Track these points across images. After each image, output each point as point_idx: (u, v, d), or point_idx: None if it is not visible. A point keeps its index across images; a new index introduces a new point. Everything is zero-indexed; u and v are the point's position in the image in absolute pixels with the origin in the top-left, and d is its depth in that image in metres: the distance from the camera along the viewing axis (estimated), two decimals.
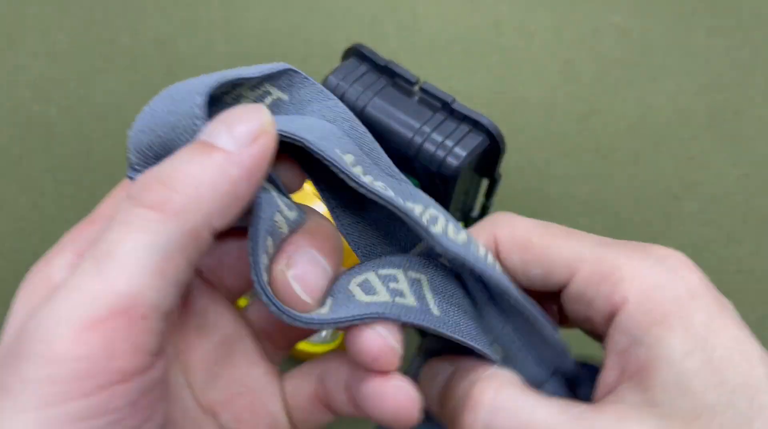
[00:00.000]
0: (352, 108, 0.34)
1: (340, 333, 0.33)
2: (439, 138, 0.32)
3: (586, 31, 0.55)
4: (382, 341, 0.18)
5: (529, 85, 0.52)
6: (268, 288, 0.18)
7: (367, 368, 0.19)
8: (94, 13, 0.52)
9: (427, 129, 0.33)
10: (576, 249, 0.20)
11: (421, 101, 0.34)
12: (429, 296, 0.20)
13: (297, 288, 0.18)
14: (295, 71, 0.20)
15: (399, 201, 0.19)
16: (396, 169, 0.21)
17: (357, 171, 0.19)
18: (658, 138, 0.49)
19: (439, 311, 0.20)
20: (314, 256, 0.19)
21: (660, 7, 0.57)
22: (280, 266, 0.18)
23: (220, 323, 0.20)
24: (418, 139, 0.32)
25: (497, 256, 0.21)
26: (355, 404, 0.20)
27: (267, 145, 0.17)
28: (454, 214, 0.36)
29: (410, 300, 0.19)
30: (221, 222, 0.16)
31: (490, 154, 0.33)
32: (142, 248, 0.15)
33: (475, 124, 0.33)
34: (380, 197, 0.19)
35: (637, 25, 0.56)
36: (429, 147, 0.32)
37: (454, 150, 0.32)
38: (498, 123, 0.34)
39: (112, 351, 0.14)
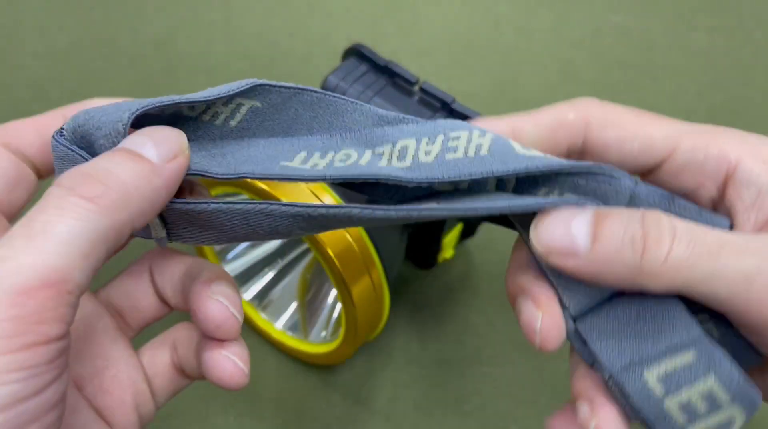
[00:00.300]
0: None
1: (341, 332, 0.33)
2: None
3: (586, 31, 0.55)
4: (225, 309, 0.21)
5: (529, 85, 0.51)
6: None
7: (211, 336, 0.21)
8: (94, 13, 0.52)
9: None
10: (674, 125, 0.22)
11: (421, 101, 0.34)
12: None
13: (228, 305, 0.21)
14: (262, 84, 0.21)
15: (356, 170, 0.20)
16: (377, 115, 0.22)
17: (308, 164, 0.21)
18: None
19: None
20: (232, 284, 0.22)
21: (660, 7, 0.57)
22: (206, 293, 0.21)
23: None
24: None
25: (586, 133, 0.22)
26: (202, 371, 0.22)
27: (183, 163, 0.19)
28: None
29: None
30: (139, 223, 0.18)
31: None
32: (75, 233, 0.16)
33: None
34: (332, 177, 0.20)
35: (638, 25, 0.56)
36: None
37: None
38: None
39: (41, 317, 0.16)
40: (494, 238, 0.43)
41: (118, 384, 0.22)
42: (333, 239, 0.30)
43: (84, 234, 0.16)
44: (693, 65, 0.54)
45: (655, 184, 0.22)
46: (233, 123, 0.22)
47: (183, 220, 0.20)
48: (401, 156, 0.21)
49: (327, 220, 0.20)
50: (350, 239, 0.30)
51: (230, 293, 0.21)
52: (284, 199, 0.29)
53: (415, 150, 0.21)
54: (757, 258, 0.18)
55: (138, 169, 0.18)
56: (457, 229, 0.38)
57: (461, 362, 0.38)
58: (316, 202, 0.30)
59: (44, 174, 0.23)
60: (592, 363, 0.21)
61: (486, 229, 0.43)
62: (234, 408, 0.36)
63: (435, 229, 0.36)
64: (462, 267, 0.42)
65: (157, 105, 0.20)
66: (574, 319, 0.21)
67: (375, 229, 0.31)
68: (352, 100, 0.22)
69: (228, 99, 0.21)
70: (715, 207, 0.22)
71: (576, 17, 0.56)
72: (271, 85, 0.21)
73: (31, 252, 0.16)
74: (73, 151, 0.19)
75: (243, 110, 0.22)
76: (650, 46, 0.55)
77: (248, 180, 0.29)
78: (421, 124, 0.22)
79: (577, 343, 0.22)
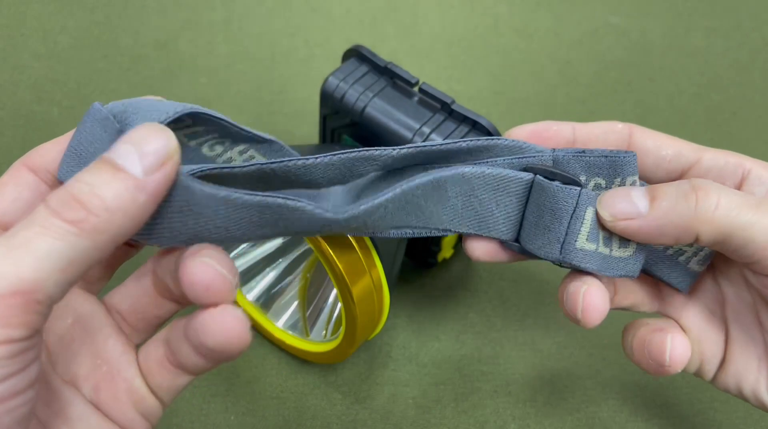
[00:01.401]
0: (352, 109, 0.34)
1: (341, 331, 0.33)
2: (438, 138, 0.32)
3: (585, 31, 0.56)
4: (211, 269, 0.20)
5: (529, 85, 0.52)
6: None
7: (202, 302, 0.20)
8: (95, 14, 0.52)
9: (426, 130, 0.33)
10: (700, 146, 0.27)
11: (421, 102, 0.34)
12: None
13: (215, 264, 0.21)
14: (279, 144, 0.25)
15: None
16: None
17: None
18: None
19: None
20: (222, 251, 0.21)
21: (658, 7, 0.58)
22: (192, 257, 0.21)
23: (73, 305, 0.23)
24: (417, 140, 0.33)
25: (630, 139, 0.28)
26: (196, 348, 0.22)
27: (172, 169, 0.19)
28: None
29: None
30: (122, 239, 0.19)
31: None
32: (54, 251, 0.18)
33: (475, 125, 0.33)
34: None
35: (636, 25, 0.56)
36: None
37: None
38: (497, 124, 0.34)
39: (7, 321, 0.17)
40: None
41: (109, 382, 0.23)
42: (333, 239, 0.30)
43: (63, 253, 0.18)
44: (691, 66, 0.54)
45: None
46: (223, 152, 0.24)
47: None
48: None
49: (283, 212, 0.21)
50: (351, 239, 0.31)
51: (218, 256, 0.21)
52: None
53: None
54: None
55: (122, 189, 0.19)
56: None
57: (461, 361, 0.38)
58: None
59: None
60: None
61: None
62: (235, 406, 0.36)
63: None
64: (462, 267, 0.42)
65: (200, 113, 0.22)
66: (517, 241, 0.27)
67: None
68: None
69: (245, 148, 0.24)
70: None
71: (574, 18, 0.56)
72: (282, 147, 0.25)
73: (8, 262, 0.17)
74: (110, 119, 0.21)
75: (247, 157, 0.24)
76: (648, 47, 0.55)
77: None
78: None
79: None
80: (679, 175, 0.27)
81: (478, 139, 0.26)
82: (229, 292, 0.21)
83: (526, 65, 0.53)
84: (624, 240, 0.25)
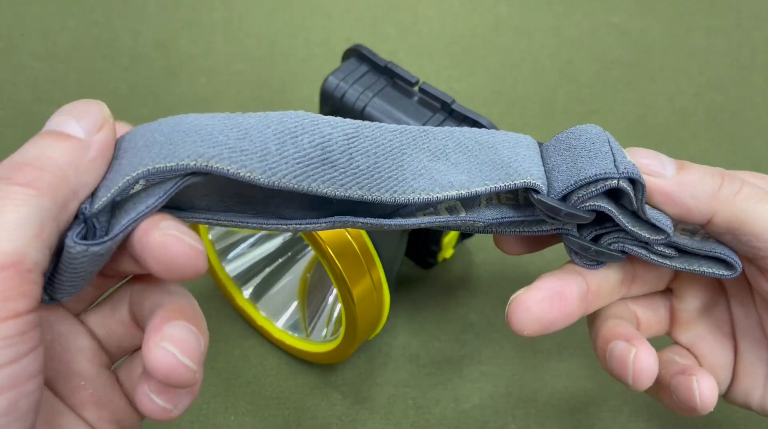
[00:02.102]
0: (353, 108, 0.34)
1: (341, 331, 0.33)
2: None
3: (585, 31, 0.55)
4: (171, 358, 0.19)
5: (529, 85, 0.52)
6: None
7: (165, 384, 0.20)
8: (95, 14, 0.52)
9: None
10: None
11: (421, 102, 0.34)
12: None
13: (177, 353, 0.19)
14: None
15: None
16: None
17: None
18: (656, 138, 0.49)
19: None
20: (187, 327, 0.20)
21: (659, 7, 0.58)
22: (155, 339, 0.20)
23: (51, 322, 0.23)
24: None
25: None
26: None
27: (111, 131, 0.20)
28: None
29: None
30: (84, 194, 0.19)
31: None
32: (22, 217, 0.18)
33: (475, 125, 0.33)
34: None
35: (637, 25, 0.56)
36: None
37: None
38: (497, 123, 0.34)
39: (8, 294, 0.17)
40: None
41: (96, 401, 0.23)
42: (333, 239, 0.30)
43: (30, 216, 0.18)
44: (691, 65, 0.54)
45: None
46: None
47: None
48: None
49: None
50: (350, 239, 0.30)
51: (183, 338, 0.20)
52: None
53: None
54: None
55: (68, 147, 0.19)
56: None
57: (461, 362, 0.38)
58: None
59: None
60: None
61: None
62: (234, 407, 0.36)
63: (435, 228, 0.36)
64: (462, 267, 0.42)
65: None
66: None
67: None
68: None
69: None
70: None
71: (575, 18, 0.56)
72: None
73: None
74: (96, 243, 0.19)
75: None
76: (649, 46, 0.55)
77: None
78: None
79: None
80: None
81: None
82: (191, 379, 0.20)
83: (526, 65, 0.53)
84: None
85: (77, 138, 0.19)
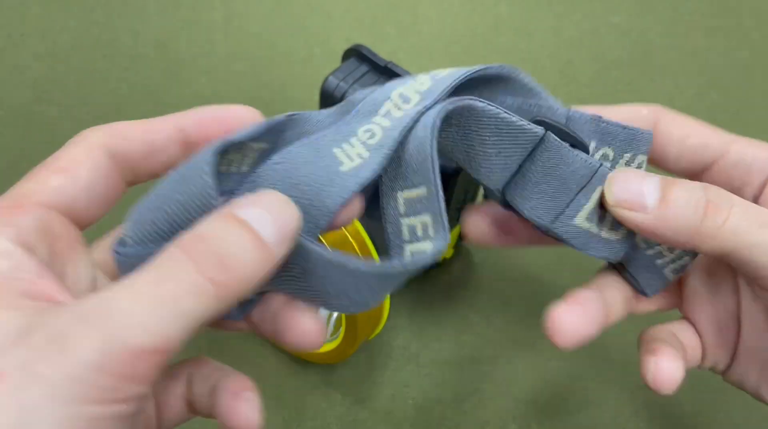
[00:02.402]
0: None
1: (341, 331, 0.33)
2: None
3: (585, 31, 0.55)
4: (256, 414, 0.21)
5: None
6: None
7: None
8: (95, 13, 0.52)
9: None
10: (728, 134, 0.26)
11: None
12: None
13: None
14: (281, 121, 0.21)
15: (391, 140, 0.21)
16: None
17: (354, 162, 0.22)
18: None
19: None
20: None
21: (659, 7, 0.58)
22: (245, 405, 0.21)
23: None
24: None
25: (656, 125, 0.26)
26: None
27: (292, 243, 0.19)
28: (453, 213, 0.36)
29: None
30: (243, 298, 0.18)
31: None
32: (195, 313, 0.17)
33: None
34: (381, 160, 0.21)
35: (637, 25, 0.56)
36: None
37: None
38: None
39: (139, 378, 0.16)
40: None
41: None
42: (332, 239, 0.30)
43: (199, 315, 0.17)
44: (691, 65, 0.54)
45: (706, 180, 0.26)
46: (244, 168, 0.21)
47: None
48: (397, 106, 0.22)
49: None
50: (350, 239, 0.30)
51: (257, 403, 0.21)
52: None
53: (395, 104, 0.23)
54: None
55: (259, 257, 0.18)
56: (457, 229, 0.38)
57: (461, 361, 0.38)
58: None
59: (136, 181, 0.22)
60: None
61: None
62: None
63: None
64: (462, 267, 0.42)
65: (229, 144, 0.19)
66: (502, 192, 0.24)
67: (374, 229, 0.32)
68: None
69: (241, 145, 0.20)
70: (758, 196, 0.25)
71: (575, 18, 0.56)
72: (285, 121, 0.22)
73: (155, 318, 0.16)
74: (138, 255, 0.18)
75: (253, 155, 0.21)
76: (649, 46, 0.55)
77: None
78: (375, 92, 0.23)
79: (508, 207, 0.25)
80: (702, 168, 0.26)
81: (492, 66, 0.24)
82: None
83: (526, 65, 0.53)
84: (617, 223, 0.24)
85: (268, 248, 0.18)
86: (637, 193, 0.22)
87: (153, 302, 0.16)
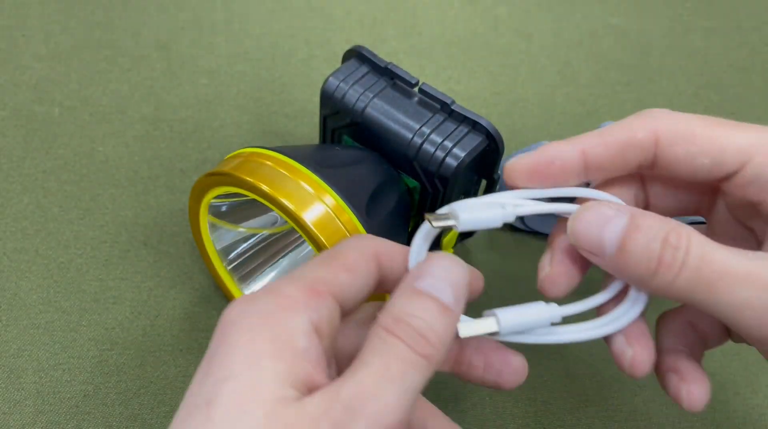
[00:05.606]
0: (353, 109, 0.34)
1: None
2: (438, 139, 0.33)
3: (584, 32, 0.56)
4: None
5: (528, 86, 0.52)
6: None
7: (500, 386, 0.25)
8: (96, 14, 0.52)
9: (426, 130, 0.33)
10: (749, 137, 0.22)
11: (421, 102, 0.34)
12: None
13: None
14: None
15: None
16: None
17: None
18: None
19: None
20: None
21: (658, 8, 0.58)
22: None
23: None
24: (417, 140, 0.33)
25: (656, 149, 0.23)
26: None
27: (467, 297, 0.22)
28: None
29: None
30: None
31: (488, 154, 0.34)
32: (419, 384, 0.19)
33: (474, 125, 0.33)
34: None
35: (635, 26, 0.56)
36: (428, 148, 0.33)
37: (453, 151, 0.32)
38: (497, 124, 0.34)
39: None
40: (494, 238, 0.44)
41: None
42: (332, 238, 0.30)
43: (420, 385, 0.19)
44: (690, 66, 0.54)
45: (723, 193, 0.24)
46: None
47: None
48: None
49: None
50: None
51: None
52: (286, 200, 0.30)
53: None
54: (750, 290, 0.20)
55: (448, 321, 0.20)
56: None
57: None
58: (318, 203, 0.30)
59: (378, 292, 0.24)
60: None
61: (486, 229, 0.43)
62: None
63: None
64: None
65: None
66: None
67: (375, 229, 0.32)
68: None
69: None
70: None
71: (574, 19, 0.56)
72: None
73: (395, 396, 0.18)
74: None
75: None
76: (647, 47, 0.55)
77: (251, 181, 0.30)
78: None
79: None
80: (719, 180, 0.24)
81: None
82: None
83: (525, 66, 0.53)
84: None
85: (450, 310, 0.21)
86: (597, 240, 0.22)
87: (389, 383, 0.19)
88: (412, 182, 0.35)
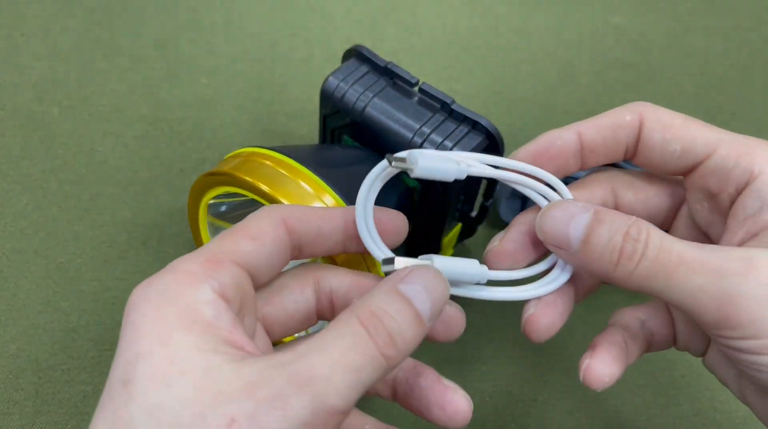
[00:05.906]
0: (353, 109, 0.34)
1: None
2: (438, 138, 0.32)
3: (585, 31, 0.56)
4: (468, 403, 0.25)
5: (528, 85, 0.52)
6: None
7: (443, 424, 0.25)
8: (96, 14, 0.52)
9: (426, 130, 0.33)
10: (716, 133, 0.25)
11: (421, 102, 0.34)
12: None
13: None
14: None
15: None
16: None
17: None
18: None
19: None
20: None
21: (658, 8, 0.58)
22: None
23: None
24: (417, 140, 0.33)
25: (639, 133, 0.26)
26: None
27: (438, 317, 0.22)
28: (452, 214, 0.36)
29: None
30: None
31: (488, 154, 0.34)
32: (370, 380, 0.19)
33: (474, 125, 0.33)
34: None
35: (636, 26, 0.56)
36: (428, 148, 0.33)
37: (453, 151, 0.32)
38: (497, 124, 0.34)
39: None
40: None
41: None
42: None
43: (370, 383, 0.19)
44: (690, 66, 0.54)
45: (689, 183, 0.26)
46: None
47: None
48: None
49: None
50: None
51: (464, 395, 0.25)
52: (286, 200, 0.29)
53: None
54: (705, 277, 0.22)
55: (418, 333, 0.21)
56: (457, 229, 0.39)
57: (461, 361, 0.38)
58: (317, 202, 0.30)
59: (298, 257, 0.24)
60: None
61: (486, 229, 0.43)
62: None
63: (435, 228, 0.36)
64: None
65: None
66: None
67: None
68: None
69: None
70: (728, 209, 0.25)
71: (574, 18, 0.56)
72: None
73: (346, 385, 0.18)
74: None
75: None
76: (648, 47, 0.55)
77: (251, 181, 0.30)
78: None
79: None
80: (686, 172, 0.26)
81: None
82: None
83: (526, 65, 0.53)
84: None
85: (425, 325, 0.21)
86: (563, 235, 0.24)
87: (344, 371, 0.19)
88: (412, 182, 0.35)
